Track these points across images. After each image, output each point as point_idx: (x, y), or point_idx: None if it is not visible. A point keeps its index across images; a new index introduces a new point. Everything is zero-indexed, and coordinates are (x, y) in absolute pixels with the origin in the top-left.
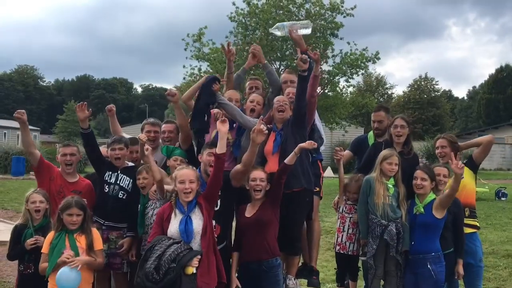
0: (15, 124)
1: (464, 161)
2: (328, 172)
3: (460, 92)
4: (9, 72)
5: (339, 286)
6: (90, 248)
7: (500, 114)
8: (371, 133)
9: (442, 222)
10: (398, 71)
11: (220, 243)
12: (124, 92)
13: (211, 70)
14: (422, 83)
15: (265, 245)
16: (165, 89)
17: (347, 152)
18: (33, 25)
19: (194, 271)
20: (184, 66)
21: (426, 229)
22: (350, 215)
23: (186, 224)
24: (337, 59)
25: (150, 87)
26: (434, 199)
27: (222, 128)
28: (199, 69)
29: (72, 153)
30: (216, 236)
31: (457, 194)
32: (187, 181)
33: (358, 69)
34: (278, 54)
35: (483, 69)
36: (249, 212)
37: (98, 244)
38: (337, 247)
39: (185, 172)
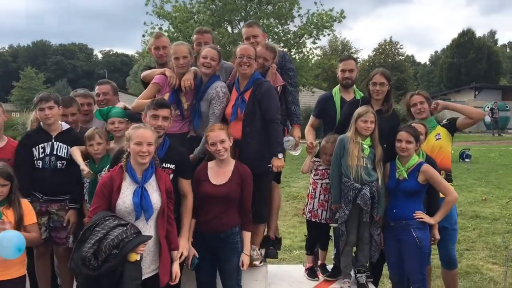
0: None
1: (445, 122)
2: None
3: (423, 57)
4: None
5: (309, 254)
6: (19, 222)
7: (462, 78)
8: (336, 89)
9: (425, 187)
10: (365, 36)
11: None
12: (84, 58)
13: (172, 30)
14: (387, 47)
15: (227, 219)
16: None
17: (311, 119)
18: None
19: (138, 258)
20: (145, 23)
21: (409, 195)
22: (323, 181)
23: (143, 196)
24: (304, 20)
25: (111, 53)
26: (419, 163)
27: None
28: (160, 28)
29: None
30: None
31: (434, 156)
32: (145, 143)
33: (324, 29)
34: (242, 14)
35: (447, 34)
36: (217, 179)
37: (30, 217)
38: (308, 215)
39: (142, 133)
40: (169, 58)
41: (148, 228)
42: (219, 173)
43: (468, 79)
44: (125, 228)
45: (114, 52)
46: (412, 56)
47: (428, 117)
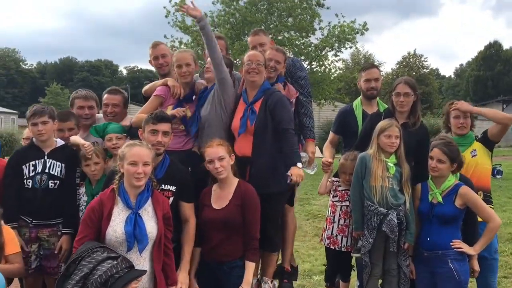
0: None
1: (480, 136)
2: (317, 152)
3: (448, 70)
4: None
5: (328, 286)
6: (0, 252)
7: (488, 91)
8: (357, 102)
9: (463, 212)
10: (389, 49)
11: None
12: (109, 74)
13: (192, 44)
14: (411, 60)
15: (230, 248)
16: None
17: (330, 135)
18: (12, 6)
19: None
20: (165, 36)
21: (445, 221)
22: (342, 203)
23: (136, 224)
24: (325, 32)
25: (136, 69)
26: (456, 185)
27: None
28: (180, 42)
29: None
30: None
31: (470, 174)
32: (141, 163)
33: (346, 42)
34: (262, 27)
35: (473, 47)
36: (218, 203)
37: (12, 246)
38: (327, 241)
39: (138, 151)
40: (171, 67)
41: (142, 261)
42: (221, 196)
43: (495, 92)
44: (115, 262)
45: (139, 68)
46: (437, 69)
47: (467, 133)
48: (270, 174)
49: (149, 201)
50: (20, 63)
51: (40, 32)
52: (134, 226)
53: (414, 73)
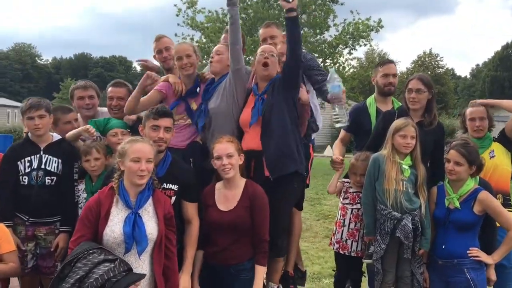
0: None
1: (498, 135)
2: (328, 151)
3: (463, 70)
4: (5, 50)
5: None
6: None
7: (505, 92)
8: (371, 99)
9: (482, 219)
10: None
11: None
12: (123, 70)
13: (204, 40)
14: (427, 59)
15: (238, 252)
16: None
17: (342, 134)
18: (29, 2)
19: None
20: (176, 35)
21: (462, 228)
22: (353, 206)
23: (136, 225)
24: (340, 29)
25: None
26: (476, 190)
27: None
28: (192, 39)
29: None
30: None
31: (488, 177)
32: (144, 160)
33: (361, 39)
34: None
35: (489, 47)
36: (224, 204)
37: (7, 245)
38: (336, 245)
39: (141, 148)
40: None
41: (141, 263)
42: (227, 197)
43: None
44: (113, 265)
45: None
46: (452, 69)
47: (485, 135)
48: (282, 155)
49: (150, 201)
50: (36, 58)
51: (56, 27)
52: (133, 226)
53: (429, 73)
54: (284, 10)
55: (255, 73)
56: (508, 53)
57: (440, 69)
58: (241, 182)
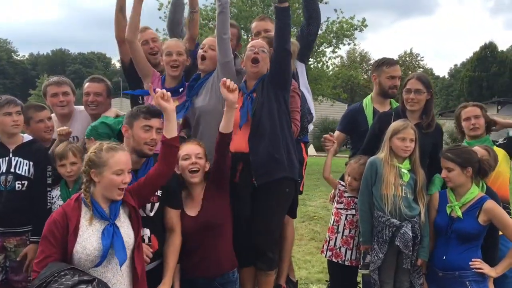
0: None
1: (502, 141)
2: (311, 151)
3: (442, 71)
4: None
5: None
6: None
7: (483, 93)
8: (367, 100)
9: (486, 229)
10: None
11: (154, 259)
12: (102, 67)
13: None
14: (407, 59)
15: (217, 257)
16: None
17: (337, 134)
18: None
19: None
20: (157, 30)
21: (465, 239)
22: (348, 212)
23: (115, 236)
24: (323, 28)
25: None
26: (481, 199)
27: (229, 96)
28: None
29: None
30: (151, 252)
31: (491, 184)
32: (126, 171)
33: (345, 38)
34: None
35: (468, 48)
36: (191, 209)
37: None
38: (329, 253)
39: (124, 158)
40: (160, 58)
41: (119, 278)
42: (193, 202)
43: (490, 93)
44: (90, 287)
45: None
46: (431, 69)
47: (483, 136)
48: (270, 160)
49: (121, 209)
50: (12, 54)
51: (33, 22)
52: (112, 239)
53: (410, 72)
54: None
55: (244, 68)
56: (486, 53)
57: (421, 69)
58: (203, 185)
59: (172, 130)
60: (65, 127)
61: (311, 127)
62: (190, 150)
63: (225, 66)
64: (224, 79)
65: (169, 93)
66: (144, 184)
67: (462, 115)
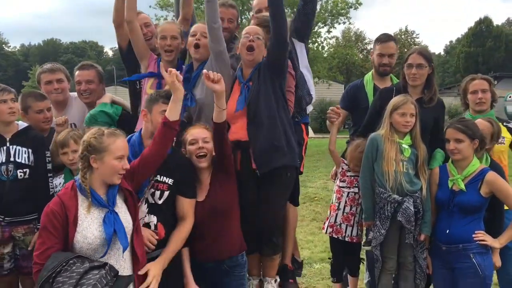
0: None
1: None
2: (310, 133)
3: (437, 47)
4: None
5: (335, 281)
6: None
7: (479, 68)
8: (368, 77)
9: (488, 201)
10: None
11: (159, 246)
12: (94, 56)
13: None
14: (402, 36)
15: (226, 241)
16: None
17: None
18: None
19: None
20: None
21: (468, 211)
22: (351, 190)
23: (116, 223)
24: (318, 7)
25: None
26: (482, 170)
27: (215, 87)
28: (165, 19)
29: None
30: (158, 239)
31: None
32: (125, 156)
33: (340, 17)
34: (250, 3)
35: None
36: (199, 194)
37: None
38: (329, 229)
39: (124, 144)
40: (155, 41)
41: (122, 263)
42: (201, 188)
43: (486, 69)
44: (104, 271)
45: None
46: (426, 46)
47: (488, 111)
48: (271, 149)
49: (117, 195)
50: (3, 45)
51: (23, 13)
52: (115, 225)
53: (406, 50)
54: None
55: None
56: (481, 28)
57: (416, 47)
58: (210, 169)
59: (176, 112)
60: (61, 117)
61: (310, 108)
62: (197, 134)
63: (219, 55)
64: (205, 71)
65: (180, 75)
66: (139, 165)
67: (469, 88)
